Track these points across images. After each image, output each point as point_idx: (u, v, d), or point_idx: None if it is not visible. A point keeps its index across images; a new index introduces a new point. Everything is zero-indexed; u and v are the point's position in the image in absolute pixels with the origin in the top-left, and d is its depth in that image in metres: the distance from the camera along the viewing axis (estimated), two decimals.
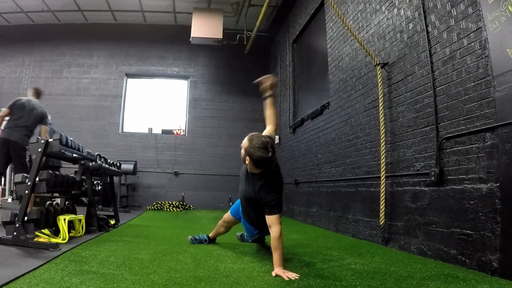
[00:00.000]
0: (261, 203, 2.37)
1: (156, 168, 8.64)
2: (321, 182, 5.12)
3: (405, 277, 2.11)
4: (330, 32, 5.11)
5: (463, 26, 2.57)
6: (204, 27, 7.62)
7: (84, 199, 4.14)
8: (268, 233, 2.41)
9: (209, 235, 3.22)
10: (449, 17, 2.72)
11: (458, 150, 2.57)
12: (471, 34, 2.48)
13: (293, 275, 2.04)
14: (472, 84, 2.46)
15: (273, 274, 2.08)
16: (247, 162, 2.34)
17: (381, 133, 3.46)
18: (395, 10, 3.50)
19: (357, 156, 4.11)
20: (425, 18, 3.00)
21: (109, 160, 4.45)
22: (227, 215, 3.06)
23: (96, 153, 4.10)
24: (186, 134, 8.99)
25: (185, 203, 8.34)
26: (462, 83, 2.57)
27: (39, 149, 2.83)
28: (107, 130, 8.70)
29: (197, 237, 3.20)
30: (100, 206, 5.68)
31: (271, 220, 2.29)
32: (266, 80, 2.61)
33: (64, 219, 2.94)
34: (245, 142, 2.32)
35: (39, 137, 2.92)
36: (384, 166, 3.39)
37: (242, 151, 2.34)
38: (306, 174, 5.78)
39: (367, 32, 4.03)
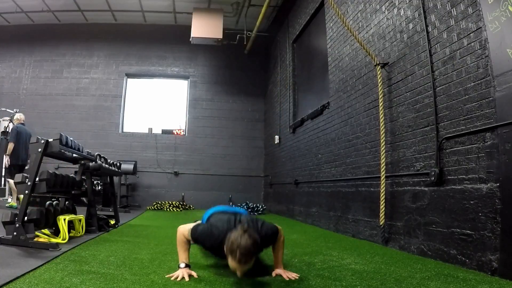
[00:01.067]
0: None
1: (156, 168, 8.64)
2: (321, 182, 5.12)
3: (405, 277, 2.11)
4: (330, 32, 5.11)
5: (463, 26, 2.57)
6: (204, 27, 7.61)
7: (84, 199, 4.13)
8: None
9: None
10: (449, 17, 2.72)
11: (458, 150, 2.57)
12: (471, 34, 2.48)
13: (293, 275, 2.05)
14: (472, 84, 2.46)
15: (274, 274, 2.09)
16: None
17: (381, 133, 3.46)
18: (395, 10, 3.50)
19: (357, 156, 4.11)
20: (425, 18, 3.00)
21: (109, 160, 4.45)
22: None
23: (96, 153, 4.10)
24: (186, 134, 8.99)
25: (185, 203, 8.34)
26: (462, 83, 2.57)
27: (39, 149, 2.83)
28: (107, 130, 8.70)
29: None
30: (100, 206, 5.68)
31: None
32: None
33: (64, 219, 2.94)
34: (249, 260, 1.78)
35: (39, 137, 2.91)
36: (384, 166, 3.39)
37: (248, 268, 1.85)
38: (306, 174, 5.78)
39: (367, 32, 4.03)
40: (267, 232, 2.06)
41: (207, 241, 2.02)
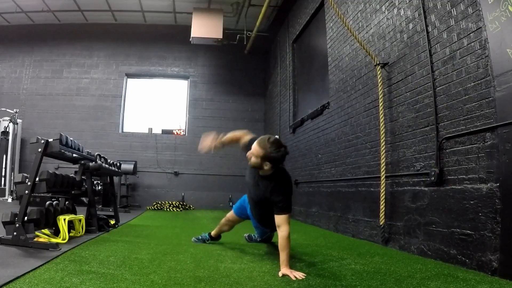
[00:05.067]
0: (272, 203, 2.38)
1: (156, 168, 8.64)
2: (321, 182, 5.12)
3: (405, 277, 2.11)
4: (330, 32, 5.11)
5: (463, 26, 2.57)
6: (204, 27, 7.62)
7: (84, 199, 4.13)
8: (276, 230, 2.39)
9: (211, 233, 3.22)
10: (449, 17, 2.72)
11: (458, 150, 2.57)
12: (471, 34, 2.48)
13: (300, 275, 2.04)
14: (472, 84, 2.47)
15: (280, 274, 2.08)
16: (266, 167, 2.32)
17: (381, 133, 3.46)
18: (395, 10, 3.50)
19: (357, 156, 4.11)
20: (425, 18, 3.00)
21: (109, 160, 4.44)
22: (231, 214, 3.07)
23: (96, 153, 4.10)
24: (186, 134, 8.99)
25: (185, 203, 8.34)
26: (462, 83, 2.57)
27: (39, 149, 2.83)
28: (107, 130, 8.70)
29: (200, 237, 3.22)
30: (100, 206, 5.68)
31: (280, 219, 2.30)
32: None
33: (64, 219, 2.94)
34: (257, 149, 2.28)
35: (39, 137, 2.91)
36: (384, 166, 3.39)
37: (254, 159, 2.31)
38: (306, 174, 5.78)
39: (367, 32, 4.03)
40: (287, 175, 2.53)
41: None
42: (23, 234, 2.55)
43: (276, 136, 2.41)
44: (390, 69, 3.52)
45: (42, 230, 2.92)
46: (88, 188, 3.74)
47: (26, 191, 2.71)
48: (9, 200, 6.95)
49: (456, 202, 2.54)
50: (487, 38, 2.33)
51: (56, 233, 2.96)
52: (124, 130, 8.96)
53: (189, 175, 8.71)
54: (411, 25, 3.22)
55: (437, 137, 2.78)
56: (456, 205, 2.53)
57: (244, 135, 2.65)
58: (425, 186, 2.89)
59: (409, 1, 3.26)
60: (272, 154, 2.25)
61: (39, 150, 2.82)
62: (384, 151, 3.42)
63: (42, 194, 4.63)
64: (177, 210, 7.85)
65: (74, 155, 3.50)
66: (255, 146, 2.29)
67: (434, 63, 2.88)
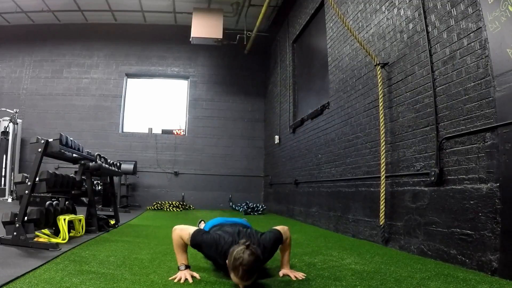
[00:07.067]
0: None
1: (156, 168, 8.64)
2: (321, 182, 5.12)
3: (405, 277, 2.12)
4: (330, 32, 5.11)
5: (463, 26, 2.57)
6: (204, 27, 7.61)
7: (84, 199, 4.13)
8: None
9: None
10: (449, 17, 2.72)
11: (458, 150, 2.57)
12: (471, 34, 2.48)
13: (300, 275, 2.05)
14: (472, 84, 2.47)
15: (281, 273, 2.09)
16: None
17: (381, 133, 3.46)
18: (395, 10, 3.50)
19: (357, 156, 4.11)
20: (425, 18, 3.00)
21: (109, 160, 4.45)
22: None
23: (96, 153, 4.10)
24: (186, 134, 8.99)
25: (185, 203, 8.34)
26: (462, 83, 2.57)
27: (39, 149, 2.83)
28: (107, 130, 8.70)
29: None
30: (100, 206, 5.68)
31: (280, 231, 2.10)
32: None
33: (64, 219, 2.94)
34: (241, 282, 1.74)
35: (39, 137, 2.91)
36: (384, 166, 3.39)
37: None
38: (306, 174, 5.78)
39: (367, 32, 4.03)
40: (268, 242, 2.01)
41: (211, 251, 1.98)
42: (23, 234, 2.55)
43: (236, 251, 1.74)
44: (390, 69, 3.52)
45: (42, 230, 2.92)
46: (88, 188, 3.74)
47: (26, 191, 2.71)
48: (9, 200, 6.95)
49: (456, 202, 2.54)
50: (487, 38, 2.33)
51: (56, 233, 2.96)
52: (124, 130, 8.95)
53: (189, 175, 8.71)
54: (411, 25, 3.22)
55: (437, 137, 2.78)
56: (456, 205, 2.53)
57: (182, 236, 2.08)
58: (425, 186, 2.89)
59: (409, 1, 3.26)
60: (261, 262, 1.85)
61: (39, 150, 2.82)
62: (384, 151, 3.42)
63: (42, 194, 4.64)
64: (177, 210, 7.85)
65: (74, 155, 3.50)
66: (242, 281, 1.71)
67: (434, 63, 2.88)
